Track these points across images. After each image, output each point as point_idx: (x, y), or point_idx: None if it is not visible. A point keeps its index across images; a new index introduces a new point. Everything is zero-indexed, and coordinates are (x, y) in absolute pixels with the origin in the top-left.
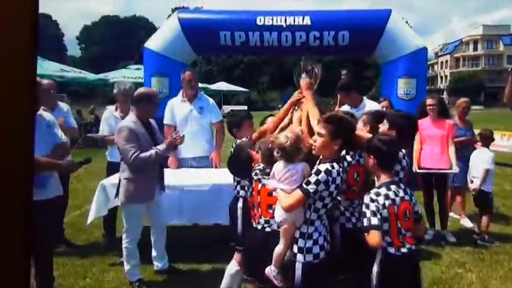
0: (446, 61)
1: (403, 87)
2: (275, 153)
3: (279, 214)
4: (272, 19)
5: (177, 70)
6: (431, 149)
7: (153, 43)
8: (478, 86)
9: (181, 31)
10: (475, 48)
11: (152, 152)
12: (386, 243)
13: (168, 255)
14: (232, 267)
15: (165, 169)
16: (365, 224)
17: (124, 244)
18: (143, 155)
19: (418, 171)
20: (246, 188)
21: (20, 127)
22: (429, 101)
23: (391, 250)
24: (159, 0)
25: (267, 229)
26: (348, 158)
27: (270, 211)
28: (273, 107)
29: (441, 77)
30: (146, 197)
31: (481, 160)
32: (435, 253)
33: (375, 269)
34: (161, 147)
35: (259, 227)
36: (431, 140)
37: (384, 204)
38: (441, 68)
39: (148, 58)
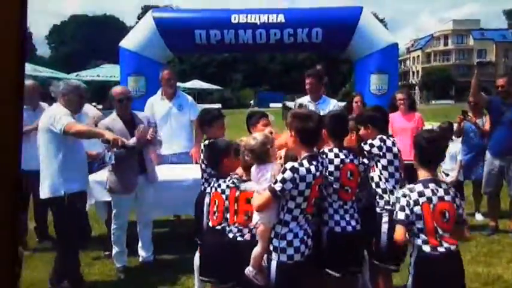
0: (418, 56)
1: (375, 83)
2: (246, 157)
3: (255, 215)
4: (246, 17)
5: (153, 69)
6: (402, 141)
7: (129, 42)
8: (448, 80)
9: (157, 30)
10: (446, 43)
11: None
12: (422, 241)
13: (153, 247)
14: (197, 259)
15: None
16: (393, 217)
17: (112, 231)
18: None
19: None
20: (212, 185)
21: (8, 131)
22: (399, 96)
23: (426, 248)
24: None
25: (239, 238)
26: (342, 155)
27: (246, 218)
28: (247, 104)
29: (413, 72)
30: (127, 188)
31: (448, 153)
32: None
33: (411, 266)
34: (131, 141)
35: (231, 235)
36: (403, 132)
37: (416, 201)
38: (413, 63)
39: (124, 57)
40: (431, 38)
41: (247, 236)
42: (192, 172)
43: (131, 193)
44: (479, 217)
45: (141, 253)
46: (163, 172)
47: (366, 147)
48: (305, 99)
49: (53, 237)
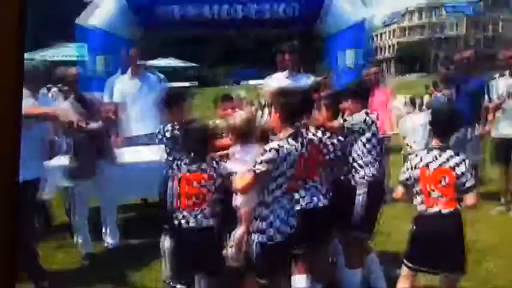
0: (394, 30)
1: (348, 58)
2: (228, 136)
3: (236, 197)
4: None
5: (122, 47)
6: None
7: (96, 20)
8: (422, 53)
9: (126, 6)
10: (420, 17)
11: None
12: (419, 201)
13: (119, 232)
14: (166, 243)
15: (115, 148)
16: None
17: (73, 219)
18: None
19: None
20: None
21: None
22: (370, 70)
23: (421, 207)
24: None
25: (184, 225)
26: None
27: (190, 202)
28: (223, 81)
29: (389, 46)
30: (86, 173)
31: (417, 123)
32: None
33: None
34: (95, 125)
35: (176, 221)
36: (375, 106)
37: (415, 166)
38: (389, 37)
39: (90, 36)
40: (406, 12)
41: (192, 223)
42: (158, 153)
43: (91, 178)
44: None
45: (107, 239)
46: (129, 155)
47: (347, 123)
48: (279, 75)
49: None
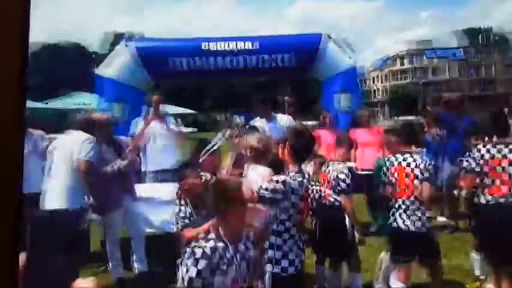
0: (378, 76)
1: (340, 101)
2: (246, 153)
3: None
4: (216, 45)
5: (134, 95)
6: (369, 152)
7: (109, 70)
8: (408, 97)
9: (138, 58)
10: (402, 63)
11: (115, 167)
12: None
13: (148, 259)
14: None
15: (137, 185)
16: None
17: (107, 247)
18: (109, 168)
19: (361, 172)
20: None
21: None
22: (362, 113)
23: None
24: (97, 27)
25: None
26: (393, 158)
27: None
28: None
29: (374, 91)
30: (110, 208)
31: None
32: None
33: None
34: (124, 162)
35: None
36: (368, 145)
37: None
38: (373, 82)
39: (104, 85)
40: (388, 58)
41: None
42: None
43: (117, 211)
44: (441, 219)
45: (136, 266)
46: (155, 190)
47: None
48: (260, 120)
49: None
